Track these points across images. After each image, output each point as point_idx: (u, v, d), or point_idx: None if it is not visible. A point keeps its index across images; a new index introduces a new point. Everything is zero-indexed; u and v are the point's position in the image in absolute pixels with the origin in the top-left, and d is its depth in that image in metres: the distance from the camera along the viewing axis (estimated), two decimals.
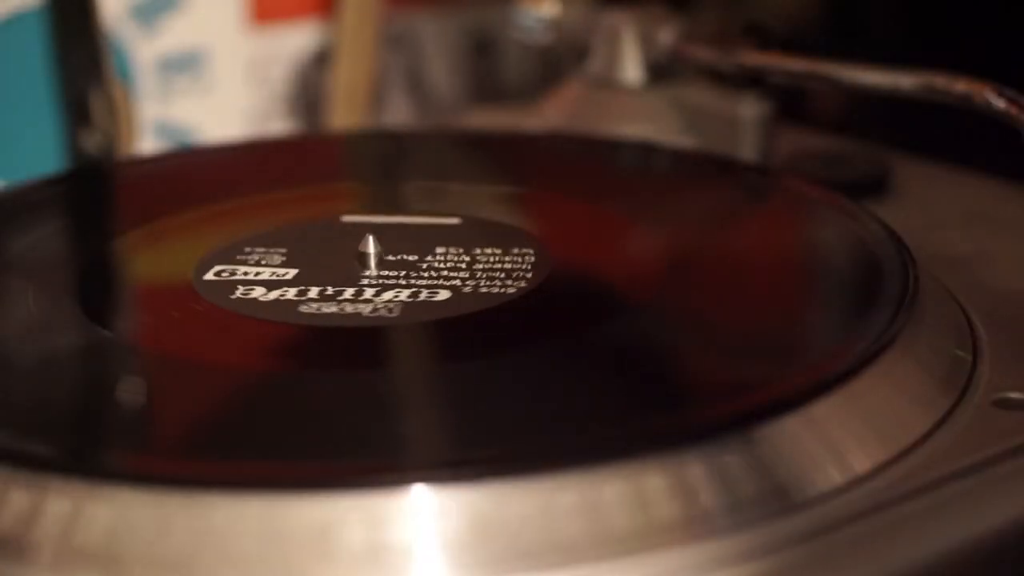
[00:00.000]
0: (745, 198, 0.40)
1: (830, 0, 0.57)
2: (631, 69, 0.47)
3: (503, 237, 0.36)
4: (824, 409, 0.28)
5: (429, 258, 0.35)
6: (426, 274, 0.34)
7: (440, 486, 0.25)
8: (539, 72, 0.57)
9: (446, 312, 0.32)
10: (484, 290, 0.33)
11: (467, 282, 0.33)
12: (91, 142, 0.47)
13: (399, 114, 0.56)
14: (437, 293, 0.33)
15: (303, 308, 0.32)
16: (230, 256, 0.35)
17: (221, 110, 0.52)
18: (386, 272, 0.34)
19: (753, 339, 0.32)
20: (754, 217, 0.39)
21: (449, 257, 0.35)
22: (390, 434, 0.28)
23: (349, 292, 0.33)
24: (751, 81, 0.44)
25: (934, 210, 0.42)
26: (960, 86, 0.38)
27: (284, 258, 0.35)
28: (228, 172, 0.43)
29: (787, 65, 0.43)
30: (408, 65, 0.56)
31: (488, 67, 0.58)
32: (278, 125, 0.54)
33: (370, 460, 0.26)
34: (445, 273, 0.34)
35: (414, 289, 0.33)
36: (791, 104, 0.47)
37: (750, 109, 0.45)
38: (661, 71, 0.47)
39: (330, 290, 0.33)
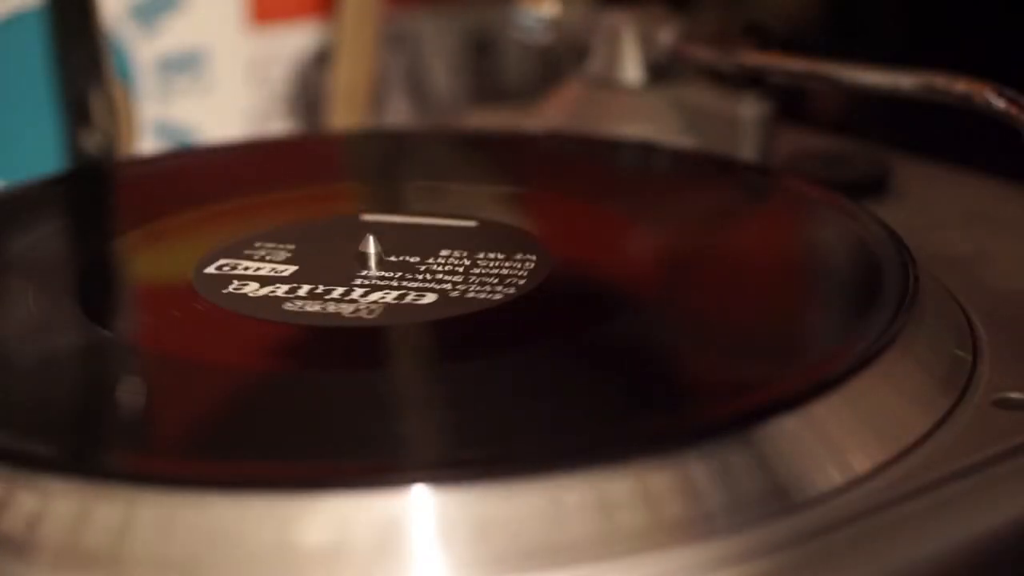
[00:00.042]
0: (745, 198, 0.40)
1: (830, 0, 0.57)
2: (631, 69, 0.47)
3: (512, 242, 0.36)
4: (824, 409, 0.28)
5: (430, 260, 0.35)
6: (421, 277, 0.34)
7: (441, 486, 0.25)
8: (539, 72, 0.57)
9: (424, 316, 0.32)
10: (471, 295, 0.33)
11: (458, 286, 0.33)
12: (91, 142, 0.47)
13: (399, 114, 0.56)
14: (424, 296, 0.33)
15: (287, 306, 0.32)
16: (238, 250, 0.35)
17: (221, 110, 0.52)
18: (383, 273, 0.34)
19: (753, 339, 0.32)
20: (754, 217, 0.39)
21: (451, 260, 0.35)
22: (386, 434, 0.28)
23: (338, 291, 0.33)
24: (751, 81, 0.44)
25: (934, 210, 0.42)
26: (960, 86, 0.38)
27: (289, 254, 0.35)
28: (228, 172, 0.43)
29: (787, 65, 0.43)
30: (408, 65, 0.56)
31: (488, 67, 0.58)
32: (278, 125, 0.54)
33: (370, 460, 0.27)
34: (440, 276, 0.34)
35: (403, 291, 0.33)
36: (791, 104, 0.47)
37: (750, 109, 0.45)
38: (661, 71, 0.47)
39: (320, 288, 0.33)
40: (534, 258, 0.35)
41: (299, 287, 0.33)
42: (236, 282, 0.34)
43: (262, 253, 0.35)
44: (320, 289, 0.33)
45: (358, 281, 0.34)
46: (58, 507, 0.25)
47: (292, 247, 0.36)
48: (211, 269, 0.34)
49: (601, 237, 0.37)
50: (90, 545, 0.25)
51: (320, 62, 0.53)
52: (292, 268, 0.34)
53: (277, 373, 0.30)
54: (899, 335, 0.30)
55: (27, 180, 0.42)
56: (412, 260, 0.35)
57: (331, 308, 0.32)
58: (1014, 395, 0.30)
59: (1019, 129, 0.36)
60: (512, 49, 0.58)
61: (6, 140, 0.47)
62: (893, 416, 0.29)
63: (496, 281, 0.33)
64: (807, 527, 0.26)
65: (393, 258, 0.35)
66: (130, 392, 0.30)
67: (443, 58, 0.57)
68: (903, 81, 0.39)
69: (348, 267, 0.34)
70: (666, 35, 0.46)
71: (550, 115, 0.48)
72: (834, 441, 0.28)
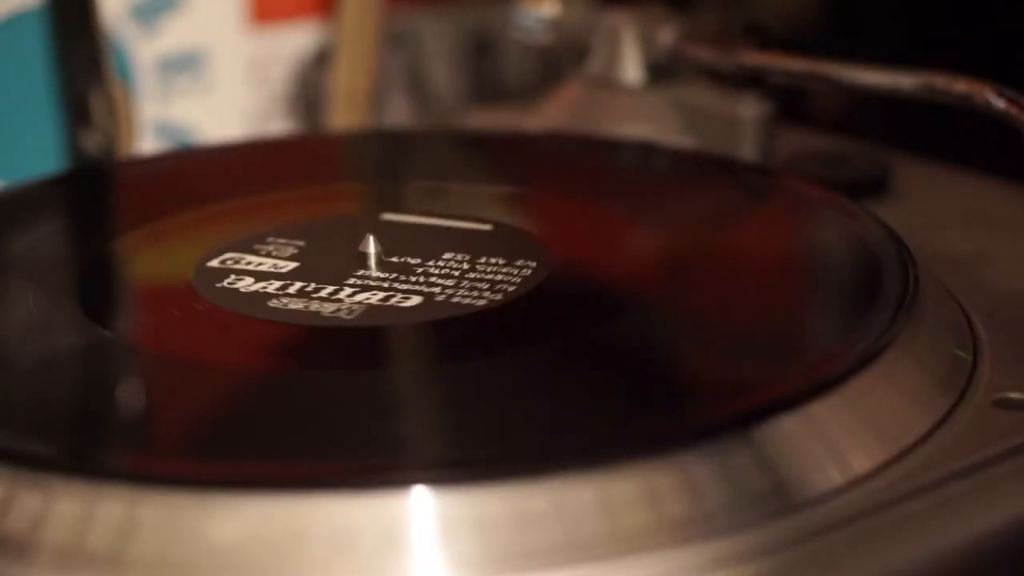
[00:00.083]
0: (745, 198, 0.40)
1: (830, 0, 0.57)
2: (631, 69, 0.47)
3: (517, 246, 0.35)
4: (824, 409, 0.28)
5: (431, 263, 0.35)
6: (415, 279, 0.34)
7: (442, 487, 0.25)
8: (539, 72, 0.57)
9: (400, 319, 0.32)
10: (456, 300, 0.32)
11: (447, 290, 0.33)
12: (91, 142, 0.47)
13: (399, 114, 0.56)
14: (409, 299, 0.33)
15: (272, 303, 0.32)
16: (247, 244, 0.35)
17: (221, 110, 0.52)
18: (379, 273, 0.34)
19: (753, 339, 0.32)
20: (754, 217, 0.39)
21: (451, 263, 0.34)
22: (387, 434, 0.28)
23: (327, 290, 0.33)
24: (751, 81, 0.44)
25: (934, 210, 0.42)
26: (960, 86, 0.38)
27: (296, 251, 0.35)
28: (228, 172, 0.43)
29: (787, 65, 0.43)
30: (408, 65, 0.56)
31: (488, 67, 0.58)
32: (278, 125, 0.54)
33: (370, 461, 0.27)
34: (433, 279, 0.34)
35: (390, 293, 0.33)
36: (791, 104, 0.47)
37: (750, 109, 0.45)
38: (661, 71, 0.47)
39: (312, 287, 0.33)
40: (533, 264, 0.34)
41: (291, 284, 0.33)
42: (233, 276, 0.34)
43: (270, 248, 0.35)
44: (311, 287, 0.33)
45: (351, 281, 0.34)
46: (60, 507, 0.25)
47: (301, 244, 0.36)
48: (214, 262, 0.34)
49: (601, 237, 0.37)
50: (92, 545, 0.25)
51: (320, 62, 0.53)
52: (293, 265, 0.34)
53: (269, 372, 0.30)
54: (899, 335, 0.30)
55: (27, 180, 0.42)
56: (412, 262, 0.35)
57: (313, 307, 0.32)
58: (1014, 395, 0.30)
59: (1019, 129, 0.36)
60: (512, 49, 0.58)
61: (6, 140, 0.47)
62: (893, 416, 0.29)
63: (486, 287, 0.33)
64: (807, 527, 0.26)
65: (395, 259, 0.35)
66: (128, 392, 0.30)
67: (443, 58, 0.56)
68: (903, 81, 0.39)
69: (347, 266, 0.34)
70: (666, 35, 0.46)
71: (550, 115, 0.48)
72: (834, 441, 0.28)
